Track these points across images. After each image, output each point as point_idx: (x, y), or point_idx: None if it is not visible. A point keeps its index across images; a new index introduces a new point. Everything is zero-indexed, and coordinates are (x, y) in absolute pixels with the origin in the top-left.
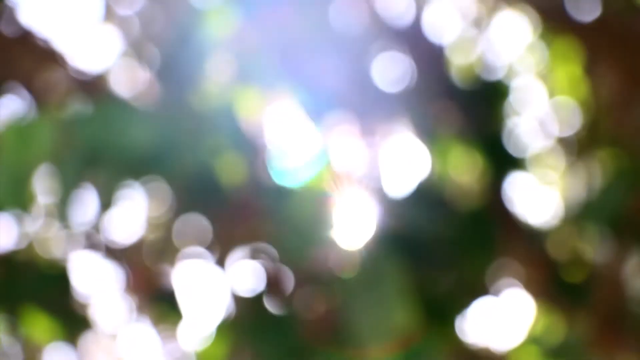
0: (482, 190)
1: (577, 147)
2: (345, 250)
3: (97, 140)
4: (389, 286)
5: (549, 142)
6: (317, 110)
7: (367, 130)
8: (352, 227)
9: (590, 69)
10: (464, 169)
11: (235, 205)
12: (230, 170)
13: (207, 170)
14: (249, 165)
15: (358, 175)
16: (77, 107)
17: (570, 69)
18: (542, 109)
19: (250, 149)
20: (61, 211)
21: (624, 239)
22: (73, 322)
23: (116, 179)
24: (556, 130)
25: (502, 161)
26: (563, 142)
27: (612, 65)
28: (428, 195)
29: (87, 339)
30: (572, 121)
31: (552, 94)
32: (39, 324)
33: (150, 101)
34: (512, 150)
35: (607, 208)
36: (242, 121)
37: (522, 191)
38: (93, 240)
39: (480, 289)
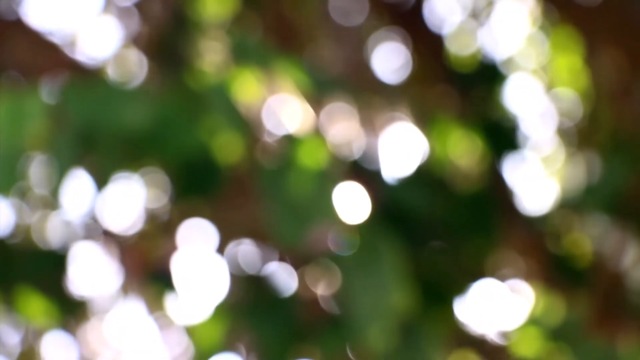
0: (482, 174)
1: (577, 138)
2: (343, 231)
3: (91, 120)
4: (386, 266)
5: (549, 134)
6: (315, 90)
7: (366, 113)
8: (350, 208)
9: (591, 53)
10: (464, 153)
11: (231, 186)
12: (226, 150)
13: (203, 150)
14: (245, 145)
15: (355, 156)
16: (71, 86)
17: (571, 60)
18: (541, 99)
19: (247, 129)
20: (55, 193)
21: (623, 223)
22: (68, 304)
23: (111, 160)
24: (556, 121)
25: (501, 145)
26: (563, 133)
27: (612, 49)
28: (427, 178)
29: (81, 321)
30: (573, 112)
31: (552, 85)
32: (34, 306)
33: (145, 82)
34: (511, 133)
35: (607, 192)
36: (238, 101)
37: (521, 175)
38: (89, 222)
39: (478, 272)
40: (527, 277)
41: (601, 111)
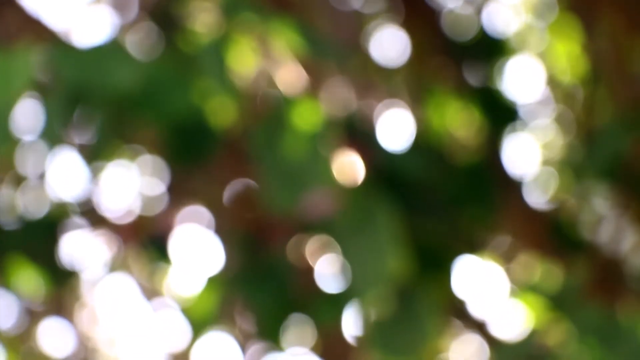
0: (479, 145)
1: (575, 125)
2: (337, 195)
3: (81, 81)
4: (382, 231)
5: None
6: (310, 52)
7: (362, 77)
8: (345, 172)
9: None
10: (461, 124)
11: (224, 149)
12: (219, 113)
13: (196, 114)
14: (238, 108)
15: (350, 119)
16: (60, 48)
17: (570, 47)
18: (540, 85)
19: (240, 92)
20: (48, 147)
21: (622, 189)
22: (60, 273)
23: (102, 123)
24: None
25: (498, 116)
26: (562, 119)
27: (612, 14)
28: (424, 148)
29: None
30: (571, 98)
31: (550, 71)
32: (25, 275)
33: (137, 43)
34: (509, 105)
35: (607, 158)
36: (231, 63)
37: (519, 146)
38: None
39: (475, 241)
40: (525, 246)
41: (600, 85)
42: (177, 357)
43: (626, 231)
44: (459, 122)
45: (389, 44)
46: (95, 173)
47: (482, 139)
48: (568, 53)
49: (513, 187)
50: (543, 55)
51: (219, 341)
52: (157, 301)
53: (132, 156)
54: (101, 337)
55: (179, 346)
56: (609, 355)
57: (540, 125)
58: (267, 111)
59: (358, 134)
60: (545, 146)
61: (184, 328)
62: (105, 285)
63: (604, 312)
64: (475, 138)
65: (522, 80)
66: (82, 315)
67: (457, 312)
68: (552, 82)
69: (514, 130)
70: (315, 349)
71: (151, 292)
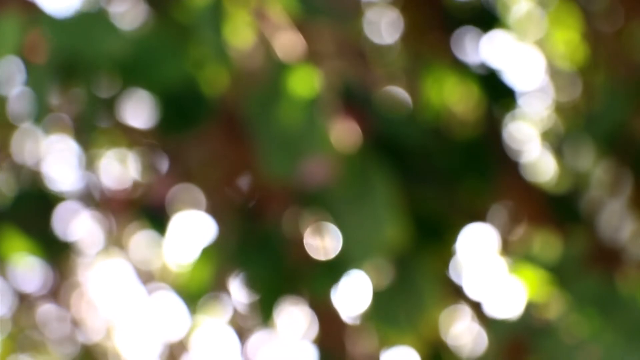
0: (477, 120)
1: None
2: (334, 162)
3: (73, 47)
4: (380, 199)
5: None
6: (307, 17)
7: (359, 43)
8: (342, 140)
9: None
10: (459, 99)
11: (219, 118)
12: (213, 81)
13: (188, 82)
14: (232, 76)
15: (347, 86)
16: (50, 15)
17: (569, 35)
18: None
19: (234, 59)
20: (35, 119)
21: (622, 156)
22: (53, 244)
23: (94, 90)
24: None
25: (497, 91)
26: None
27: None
28: (422, 122)
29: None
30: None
31: (550, 59)
32: (17, 246)
33: (129, 11)
34: (507, 80)
35: (607, 125)
36: (227, 31)
37: (517, 121)
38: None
39: (473, 213)
40: (523, 219)
41: (600, 72)
42: (173, 346)
43: (626, 218)
44: (456, 97)
45: (386, 20)
46: (85, 147)
47: (480, 114)
48: (567, 41)
49: (511, 161)
50: (542, 43)
51: (214, 327)
52: (152, 284)
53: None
54: (98, 326)
55: (176, 333)
56: (608, 325)
57: (539, 101)
58: (263, 78)
59: (355, 100)
60: (544, 120)
61: (180, 313)
62: (99, 266)
63: (603, 282)
64: (473, 113)
65: (520, 65)
66: (79, 301)
67: (454, 288)
68: (552, 69)
69: (512, 105)
70: (309, 328)
71: (147, 274)
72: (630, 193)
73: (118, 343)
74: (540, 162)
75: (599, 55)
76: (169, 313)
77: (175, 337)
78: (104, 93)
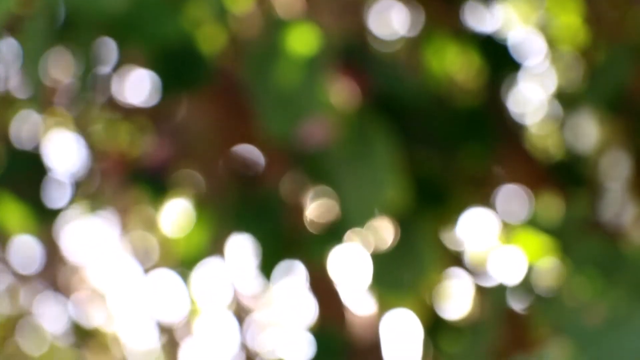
0: (478, 89)
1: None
2: (334, 123)
3: (71, 3)
4: (380, 159)
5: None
6: None
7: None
8: (341, 99)
9: None
10: (460, 68)
11: (217, 77)
12: (211, 40)
13: (186, 40)
14: (230, 34)
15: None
16: None
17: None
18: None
19: (232, 17)
20: (31, 80)
21: (623, 118)
22: (46, 209)
23: (91, 46)
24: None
25: (498, 60)
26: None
27: None
28: (424, 89)
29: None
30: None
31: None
32: (9, 211)
33: None
34: (509, 48)
35: (608, 86)
36: None
37: (518, 88)
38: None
39: (474, 178)
40: (524, 183)
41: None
42: (173, 329)
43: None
44: (458, 65)
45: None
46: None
47: (481, 83)
48: (569, 24)
49: (512, 128)
50: (544, 28)
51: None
52: (150, 261)
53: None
54: (98, 311)
55: (175, 316)
56: (612, 285)
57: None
58: (261, 36)
59: (355, 60)
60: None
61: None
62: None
63: (605, 243)
64: (474, 81)
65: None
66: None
67: (454, 253)
68: (553, 53)
69: (513, 73)
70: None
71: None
72: (630, 176)
73: (117, 326)
74: (541, 129)
75: (601, 39)
76: (167, 293)
77: (175, 319)
78: (99, 61)
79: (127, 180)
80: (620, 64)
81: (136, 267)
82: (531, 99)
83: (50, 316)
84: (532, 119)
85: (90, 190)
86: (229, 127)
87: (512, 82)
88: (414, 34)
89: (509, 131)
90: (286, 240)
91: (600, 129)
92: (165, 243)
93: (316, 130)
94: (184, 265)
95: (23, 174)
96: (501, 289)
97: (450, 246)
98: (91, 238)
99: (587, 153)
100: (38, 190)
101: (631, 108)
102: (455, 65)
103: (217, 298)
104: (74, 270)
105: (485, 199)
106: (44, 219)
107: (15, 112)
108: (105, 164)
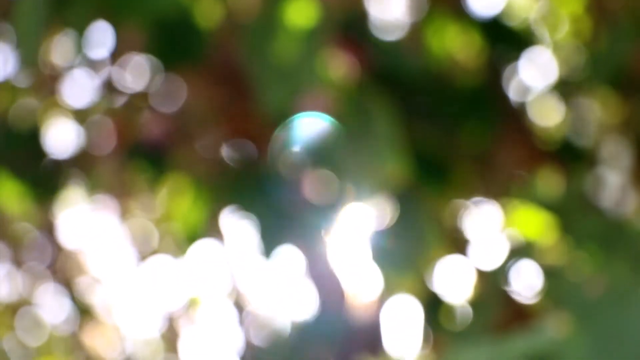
0: (480, 69)
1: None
2: (333, 97)
3: None
4: (380, 133)
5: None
6: None
7: None
8: (341, 72)
9: None
10: (461, 47)
11: (214, 52)
12: (208, 14)
13: (182, 12)
14: (228, 7)
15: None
16: None
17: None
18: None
19: None
20: (26, 55)
21: (625, 96)
22: (44, 186)
23: (87, 20)
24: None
25: (500, 40)
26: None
27: None
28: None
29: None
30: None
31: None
32: (6, 187)
33: None
34: (510, 29)
35: (610, 64)
36: None
37: (520, 69)
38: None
39: (475, 156)
40: (524, 160)
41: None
42: (173, 318)
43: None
44: (459, 45)
45: None
46: None
47: (482, 64)
48: (571, 15)
49: (513, 107)
50: (546, 19)
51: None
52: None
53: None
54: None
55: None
56: (611, 261)
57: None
58: (259, 9)
59: (355, 33)
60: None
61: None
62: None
63: (605, 218)
64: (475, 63)
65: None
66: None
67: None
68: (554, 34)
69: (514, 54)
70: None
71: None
72: (632, 166)
73: (116, 314)
74: (542, 108)
75: (603, 19)
76: (167, 281)
77: (174, 308)
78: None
79: (125, 155)
80: (622, 42)
81: (135, 254)
82: (532, 79)
83: (50, 305)
84: (533, 100)
85: (88, 169)
86: (227, 103)
87: (513, 62)
88: (415, 14)
89: (510, 111)
90: (286, 218)
91: (601, 110)
92: (164, 229)
93: (314, 105)
94: (182, 243)
95: (21, 153)
96: (501, 267)
97: (451, 224)
98: (89, 224)
99: (588, 133)
100: (36, 169)
101: (632, 86)
102: (456, 45)
103: (216, 285)
104: (72, 256)
105: (486, 177)
106: (42, 197)
107: (14, 98)
108: (103, 139)
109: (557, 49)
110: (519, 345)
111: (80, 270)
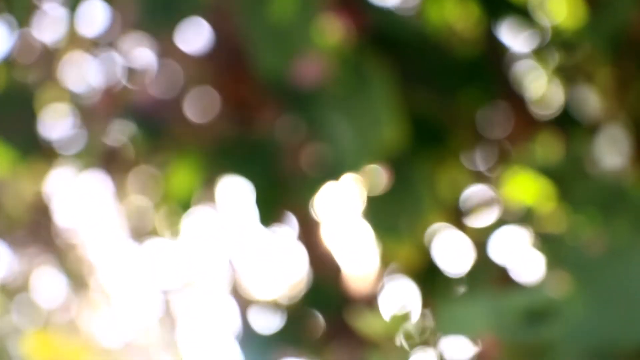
0: (477, 38)
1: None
2: (329, 60)
3: None
4: (376, 97)
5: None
6: None
7: None
8: (336, 35)
9: None
10: (459, 17)
11: (208, 12)
12: None
13: None
14: None
15: None
16: None
17: None
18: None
19: None
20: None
21: (624, 60)
22: (36, 151)
23: None
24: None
25: (498, 9)
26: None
27: None
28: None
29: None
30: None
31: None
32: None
33: None
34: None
35: (609, 28)
36: None
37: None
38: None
39: (472, 123)
40: (523, 127)
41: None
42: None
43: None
44: (457, 15)
45: None
46: None
47: (480, 33)
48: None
49: (510, 77)
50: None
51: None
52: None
53: None
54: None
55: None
56: (611, 223)
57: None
58: None
59: None
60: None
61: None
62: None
63: (605, 182)
64: (473, 31)
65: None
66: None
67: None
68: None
69: (513, 23)
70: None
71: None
72: (631, 152)
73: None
74: (540, 79)
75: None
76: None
77: (171, 289)
78: None
79: (118, 118)
80: (622, 4)
81: (131, 235)
82: (530, 47)
83: (46, 288)
84: (531, 69)
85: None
86: (222, 69)
87: (511, 31)
88: None
89: (507, 80)
90: (281, 184)
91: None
92: (160, 206)
93: (310, 68)
94: (177, 212)
95: (13, 114)
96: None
97: (447, 190)
98: (84, 202)
99: (586, 102)
100: (28, 132)
101: (632, 49)
102: (453, 14)
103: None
104: (68, 235)
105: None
106: (32, 159)
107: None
108: (95, 102)
109: (556, 17)
110: (518, 300)
111: (75, 251)
